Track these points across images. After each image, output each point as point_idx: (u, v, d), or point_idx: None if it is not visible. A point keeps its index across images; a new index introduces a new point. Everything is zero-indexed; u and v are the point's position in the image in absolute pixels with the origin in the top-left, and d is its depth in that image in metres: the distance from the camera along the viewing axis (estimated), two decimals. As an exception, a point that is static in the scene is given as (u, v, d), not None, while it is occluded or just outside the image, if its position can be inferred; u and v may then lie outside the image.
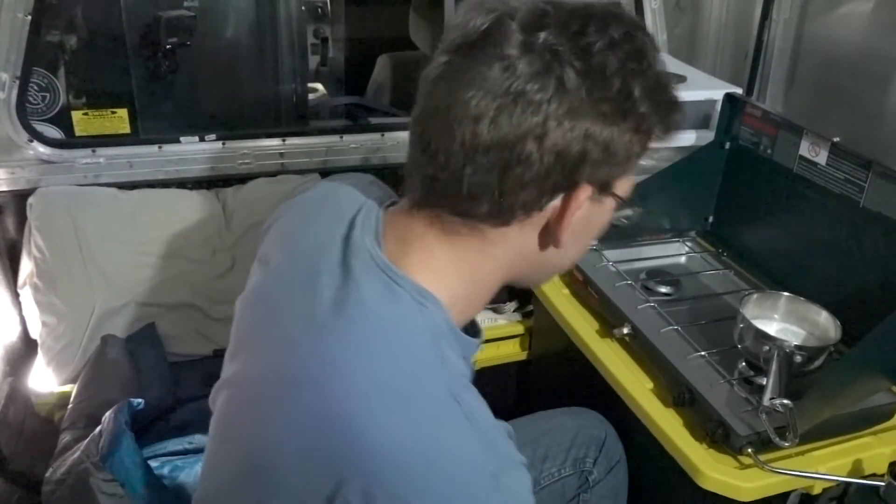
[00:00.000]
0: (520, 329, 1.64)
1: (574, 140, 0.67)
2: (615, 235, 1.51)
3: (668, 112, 0.73)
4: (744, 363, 1.19)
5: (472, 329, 0.81)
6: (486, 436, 0.67)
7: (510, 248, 0.74)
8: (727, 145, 1.53)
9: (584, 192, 0.71)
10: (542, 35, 0.67)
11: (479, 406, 0.70)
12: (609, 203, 0.75)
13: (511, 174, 0.68)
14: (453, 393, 0.68)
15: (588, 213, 0.73)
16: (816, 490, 1.07)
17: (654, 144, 0.74)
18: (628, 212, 0.81)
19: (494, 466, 0.66)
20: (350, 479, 0.63)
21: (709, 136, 1.59)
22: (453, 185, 0.70)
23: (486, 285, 0.77)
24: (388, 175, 1.98)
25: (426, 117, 0.71)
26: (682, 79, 1.68)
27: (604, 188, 0.73)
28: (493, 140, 0.67)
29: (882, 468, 1.09)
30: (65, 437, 1.34)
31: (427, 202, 0.74)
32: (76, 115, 1.75)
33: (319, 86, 2.64)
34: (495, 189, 0.69)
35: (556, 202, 0.71)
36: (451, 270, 0.74)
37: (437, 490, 0.63)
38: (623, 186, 0.75)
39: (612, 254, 1.47)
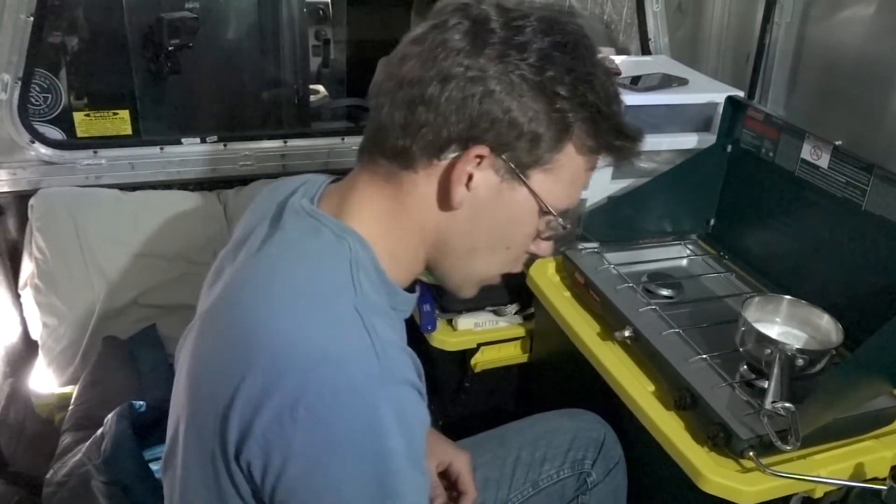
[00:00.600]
0: (521, 331, 1.64)
1: (474, 94, 0.72)
2: (616, 238, 1.52)
3: (594, 111, 0.75)
4: (745, 366, 1.19)
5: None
6: (384, 350, 0.69)
7: (419, 202, 0.77)
8: (729, 148, 1.53)
9: (478, 150, 0.73)
10: (485, 7, 0.74)
11: (384, 329, 0.71)
12: (525, 198, 0.77)
13: (415, 112, 0.74)
14: (359, 310, 0.70)
15: (495, 193, 0.76)
16: (818, 494, 1.07)
17: (584, 147, 0.76)
18: (554, 225, 0.80)
19: (385, 375, 0.68)
20: (248, 374, 0.67)
21: (710, 139, 1.59)
22: (377, 120, 0.77)
23: (405, 242, 0.80)
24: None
25: (382, 65, 0.78)
26: (683, 82, 1.68)
27: (511, 169, 0.75)
28: (408, 77, 0.74)
29: (884, 472, 1.09)
30: (65, 439, 1.34)
31: (364, 148, 0.80)
32: (78, 117, 1.76)
33: (321, 87, 2.64)
34: (401, 124, 0.75)
35: (454, 156, 0.75)
36: (375, 216, 0.78)
37: (325, 385, 0.66)
38: (543, 185, 0.76)
39: (613, 256, 1.47)
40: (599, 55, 0.78)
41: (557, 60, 0.73)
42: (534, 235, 0.82)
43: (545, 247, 0.84)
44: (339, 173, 0.87)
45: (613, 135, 0.77)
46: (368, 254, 0.77)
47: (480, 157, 0.74)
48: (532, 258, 0.91)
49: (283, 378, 0.66)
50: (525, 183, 0.76)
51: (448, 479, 1.13)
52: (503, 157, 0.74)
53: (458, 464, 1.12)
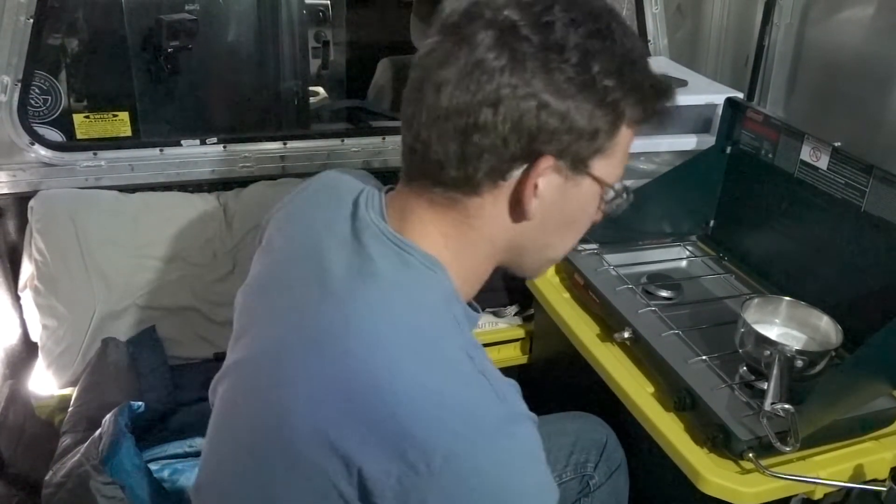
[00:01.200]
0: (520, 333, 1.64)
1: (528, 110, 0.70)
2: (616, 239, 1.52)
3: (640, 89, 0.74)
4: (745, 367, 1.19)
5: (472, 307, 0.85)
6: (498, 388, 0.70)
7: (489, 221, 0.77)
8: (728, 150, 1.53)
9: (545, 163, 0.72)
10: (506, 12, 0.71)
11: (489, 364, 0.73)
12: (588, 186, 0.77)
13: (471, 141, 0.71)
14: (467, 350, 0.71)
15: (561, 192, 0.75)
16: (818, 495, 1.07)
17: (633, 122, 0.76)
18: (620, 201, 0.81)
19: (506, 414, 0.69)
20: (373, 420, 0.67)
21: (710, 140, 1.59)
22: (424, 154, 0.75)
23: (477, 260, 0.80)
24: (390, 178, 1.98)
25: (408, 93, 0.76)
26: (683, 83, 1.68)
27: (575, 166, 0.74)
28: (453, 107, 0.71)
29: (883, 473, 1.09)
30: (65, 440, 1.34)
31: (410, 175, 0.78)
32: (77, 118, 1.76)
33: (320, 89, 2.64)
34: (458, 156, 0.73)
35: (519, 172, 0.74)
36: (443, 242, 0.77)
37: (452, 432, 0.66)
38: (603, 169, 0.76)
39: (613, 258, 1.47)
40: (622, 19, 0.77)
41: (598, 51, 0.71)
42: (599, 208, 0.82)
43: (609, 212, 0.83)
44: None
45: (658, 100, 0.77)
46: (451, 284, 0.77)
47: (545, 167, 0.73)
48: None
49: (413, 430, 0.66)
50: (589, 175, 0.76)
51: None
52: (566, 158, 0.74)
53: None
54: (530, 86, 0.70)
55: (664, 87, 0.77)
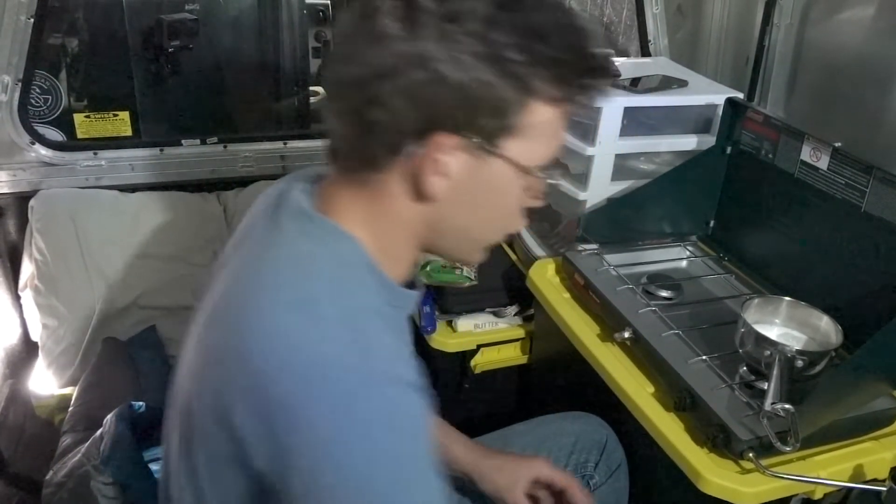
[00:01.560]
0: (520, 333, 1.64)
1: (423, 82, 0.67)
2: (616, 239, 1.52)
3: (554, 63, 0.69)
4: (745, 368, 1.19)
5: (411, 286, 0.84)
6: (371, 349, 0.67)
7: (397, 200, 0.74)
8: (728, 150, 1.53)
9: (443, 139, 0.69)
10: None
11: (375, 329, 0.69)
12: (501, 167, 0.72)
13: (367, 115, 0.69)
14: (348, 313, 0.68)
15: (471, 172, 0.72)
16: (818, 495, 1.07)
17: (552, 100, 0.71)
18: (552, 179, 0.77)
19: (362, 373, 0.65)
20: (240, 375, 0.67)
21: (710, 140, 1.59)
22: (332, 131, 0.75)
23: (396, 241, 0.77)
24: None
25: (324, 63, 0.76)
26: (683, 83, 1.68)
27: (482, 145, 0.71)
28: (351, 80, 0.70)
29: (883, 473, 1.09)
30: (65, 440, 1.34)
31: (329, 154, 0.77)
32: (78, 118, 1.76)
33: (321, 89, 2.64)
34: (357, 131, 0.71)
35: (417, 149, 0.71)
36: (359, 220, 0.76)
37: (294, 384, 0.64)
38: (519, 150, 0.72)
39: (612, 258, 1.47)
40: None
41: (502, 21, 0.67)
42: (525, 194, 0.78)
43: (539, 198, 0.80)
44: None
45: (580, 77, 0.72)
46: (360, 254, 0.75)
47: (445, 144, 0.70)
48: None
49: (271, 382, 0.65)
50: (498, 155, 0.72)
51: (546, 488, 1.13)
52: (469, 136, 0.70)
53: (542, 470, 1.12)
54: (423, 55, 0.66)
55: (589, 64, 0.72)
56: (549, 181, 0.77)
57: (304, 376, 0.65)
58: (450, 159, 0.71)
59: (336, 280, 0.71)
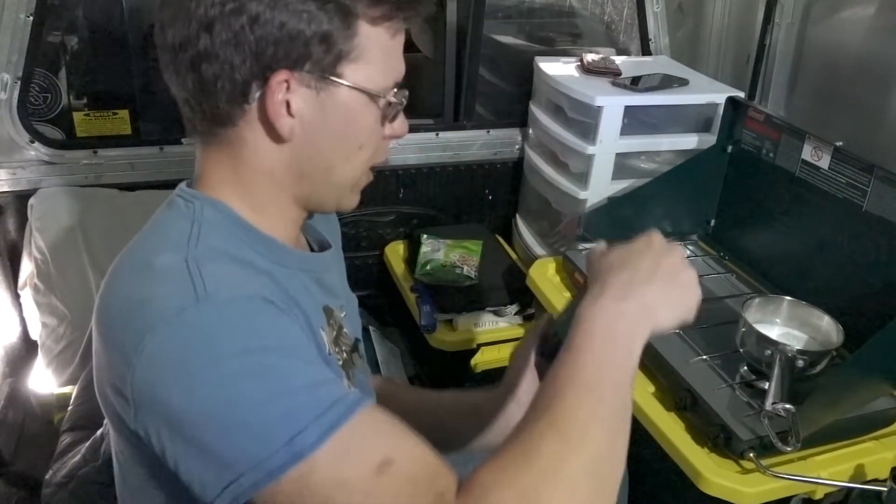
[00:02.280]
0: (521, 332, 1.64)
1: (242, 26, 0.69)
2: (616, 238, 1.51)
3: None
4: (746, 367, 1.19)
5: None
6: (204, 278, 0.66)
7: (255, 151, 0.75)
8: (729, 149, 1.53)
9: (280, 77, 0.71)
10: None
11: (223, 273, 0.69)
12: (347, 95, 0.73)
13: (201, 71, 0.71)
14: (189, 261, 0.68)
15: (318, 106, 0.73)
16: (818, 495, 1.07)
17: (374, 19, 0.72)
18: (398, 99, 0.77)
19: (201, 297, 0.65)
20: (99, 344, 0.71)
21: (711, 139, 1.59)
22: (176, 98, 0.76)
23: (266, 196, 0.78)
24: (389, 176, 1.99)
25: (156, 31, 0.75)
26: (684, 82, 1.68)
27: (321, 76, 0.72)
28: (177, 42, 0.71)
29: (884, 473, 1.09)
30: (65, 439, 1.34)
31: (185, 124, 0.79)
32: (77, 116, 1.75)
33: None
34: (196, 90, 0.73)
35: (259, 93, 0.72)
36: (225, 179, 0.77)
37: (140, 327, 0.65)
38: (359, 75, 0.73)
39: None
40: None
41: None
42: (381, 122, 0.78)
43: (398, 126, 0.81)
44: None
45: None
46: (223, 210, 0.76)
47: (285, 81, 0.71)
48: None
49: (112, 338, 0.68)
50: (339, 82, 0.73)
51: None
52: (305, 69, 0.71)
53: None
54: (241, 2, 0.68)
55: None
56: (399, 100, 0.78)
57: (140, 317, 0.66)
58: (293, 97, 0.72)
59: (186, 235, 0.72)
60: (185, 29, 0.70)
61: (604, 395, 0.67)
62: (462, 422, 1.02)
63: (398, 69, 0.78)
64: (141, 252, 0.74)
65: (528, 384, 0.95)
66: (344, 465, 0.61)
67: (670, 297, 0.81)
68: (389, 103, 0.77)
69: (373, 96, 0.75)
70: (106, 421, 1.16)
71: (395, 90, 0.77)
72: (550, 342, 0.92)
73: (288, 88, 0.71)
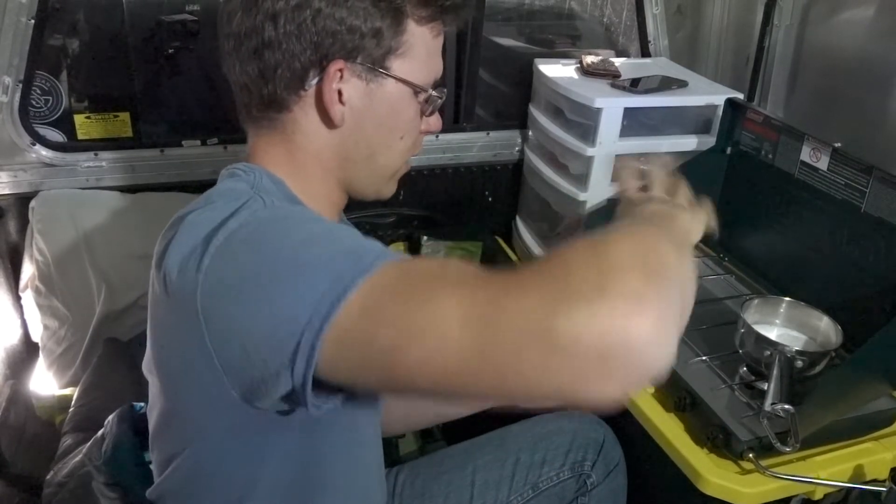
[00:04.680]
0: (521, 333, 1.64)
1: (305, 19, 0.76)
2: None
3: None
4: (745, 368, 1.19)
5: None
6: (273, 201, 0.73)
7: (307, 135, 0.82)
8: (728, 150, 1.53)
9: (336, 66, 0.78)
10: None
11: (279, 197, 0.77)
12: (394, 87, 0.81)
13: (263, 58, 0.78)
14: (256, 190, 0.75)
15: (367, 95, 0.80)
16: (818, 495, 1.07)
17: (422, 19, 0.80)
18: (434, 101, 0.85)
19: (269, 202, 0.72)
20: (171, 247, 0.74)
21: (710, 141, 1.59)
22: (236, 83, 0.83)
23: (314, 180, 0.84)
24: (390, 179, 1.99)
25: (219, 23, 0.82)
26: (683, 84, 1.68)
27: (372, 68, 0.79)
28: (242, 31, 0.78)
29: (883, 473, 1.09)
30: (66, 441, 1.34)
31: (241, 111, 0.86)
32: (78, 119, 1.76)
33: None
34: (258, 75, 0.80)
35: (315, 81, 0.79)
36: (278, 161, 0.83)
37: (222, 233, 0.68)
38: (405, 69, 0.81)
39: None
40: None
41: None
42: (419, 116, 0.86)
43: (434, 121, 0.88)
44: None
45: None
46: (279, 184, 0.81)
47: (339, 70, 0.78)
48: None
49: (185, 236, 0.72)
50: (387, 74, 0.80)
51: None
52: (358, 61, 0.79)
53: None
54: None
55: None
56: (437, 96, 0.85)
57: (211, 214, 0.71)
58: (345, 86, 0.79)
59: (247, 190, 0.76)
60: (251, 19, 0.77)
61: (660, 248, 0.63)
62: None
63: (438, 68, 0.85)
64: (208, 209, 0.75)
65: None
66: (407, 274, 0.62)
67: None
68: (429, 98, 0.85)
69: (415, 90, 0.83)
70: (107, 421, 1.16)
71: (435, 89, 0.85)
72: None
73: (341, 77, 0.79)
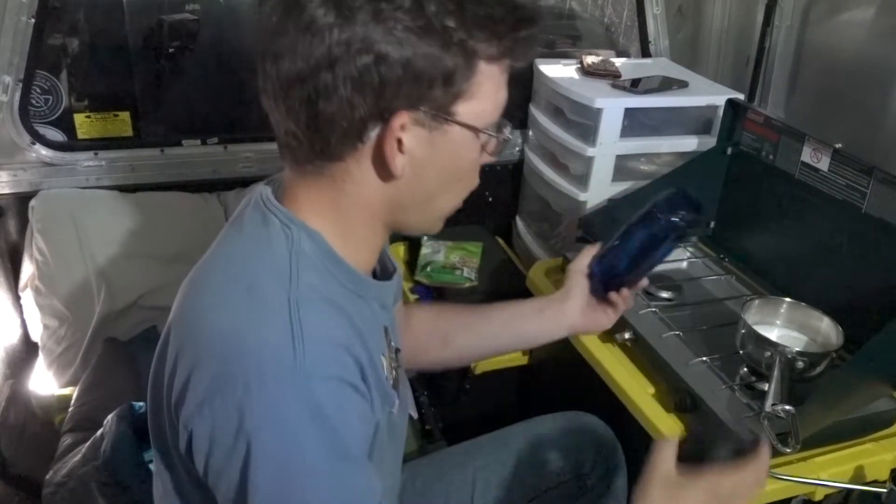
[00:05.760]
0: (521, 333, 1.64)
1: (367, 66, 0.67)
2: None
3: (489, 22, 0.70)
4: (745, 369, 1.19)
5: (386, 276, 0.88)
6: (305, 345, 0.67)
7: (359, 185, 0.75)
8: (729, 151, 1.53)
9: (400, 119, 0.70)
10: None
11: (320, 320, 0.70)
12: (459, 133, 0.73)
13: (316, 109, 0.69)
14: (292, 300, 0.69)
15: (430, 144, 0.73)
16: (818, 496, 1.07)
17: (492, 58, 0.72)
18: (499, 142, 0.78)
19: (299, 370, 0.66)
20: (180, 362, 0.70)
21: (711, 141, 1.59)
22: (279, 127, 0.74)
23: (358, 225, 0.78)
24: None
25: (258, 65, 0.73)
26: (683, 84, 1.68)
27: (436, 115, 0.71)
28: (292, 76, 0.69)
29: (883, 474, 1.09)
30: (65, 440, 1.34)
31: (281, 150, 0.77)
32: (78, 118, 1.76)
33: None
34: (308, 126, 0.71)
35: (375, 132, 0.71)
36: (317, 210, 0.76)
37: (239, 379, 0.66)
38: (471, 111, 0.73)
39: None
40: None
41: None
42: (480, 154, 0.79)
43: (492, 151, 0.81)
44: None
45: (515, 31, 0.72)
46: (318, 242, 0.75)
47: (400, 122, 0.70)
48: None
49: (206, 367, 0.68)
50: (454, 121, 0.73)
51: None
52: (422, 109, 0.71)
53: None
54: (364, 40, 0.66)
55: (519, 15, 0.72)
56: (504, 136, 0.79)
57: (240, 361, 0.67)
58: (406, 136, 0.71)
59: (287, 266, 0.72)
60: (303, 63, 0.68)
61: None
62: (527, 321, 1.14)
63: (503, 101, 0.77)
64: (241, 264, 0.73)
65: (581, 289, 1.12)
66: None
67: None
68: (493, 137, 0.77)
69: (481, 131, 0.75)
70: (106, 421, 1.16)
71: (500, 124, 0.78)
72: (603, 261, 1.10)
73: (403, 127, 0.71)
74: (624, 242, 1.10)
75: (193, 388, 0.68)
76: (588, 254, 1.13)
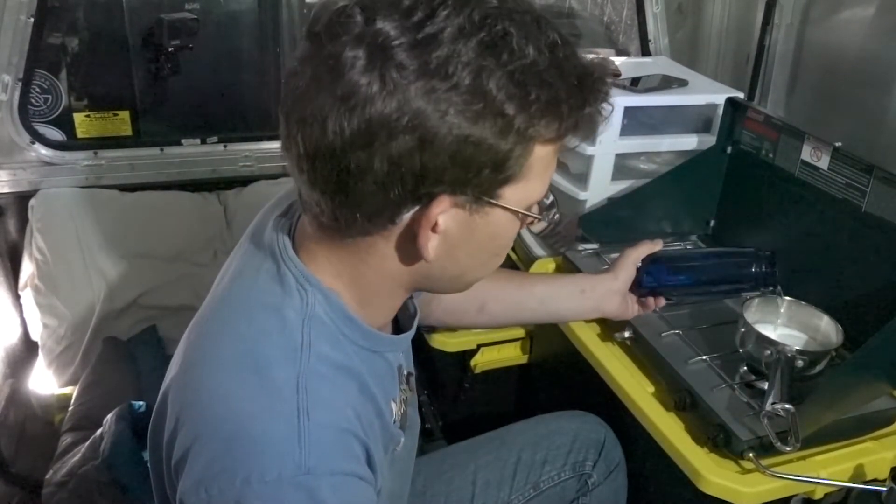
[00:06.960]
0: (520, 332, 1.64)
1: (409, 149, 0.59)
2: (616, 239, 1.52)
3: (552, 105, 0.62)
4: (745, 367, 1.19)
5: (406, 324, 0.84)
6: (311, 439, 0.62)
7: (384, 261, 0.69)
8: (729, 149, 1.53)
9: (440, 206, 0.63)
10: (379, 24, 0.58)
11: (327, 402, 0.65)
12: (500, 214, 0.67)
13: (346, 186, 0.62)
14: (300, 383, 0.64)
15: (467, 226, 0.67)
16: (818, 495, 1.07)
17: (549, 141, 0.65)
18: (541, 224, 0.76)
19: (302, 470, 0.61)
20: (181, 431, 0.67)
21: (710, 140, 1.59)
22: (302, 188, 0.67)
23: (379, 294, 0.74)
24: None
25: (281, 115, 0.66)
26: (683, 83, 1.68)
27: (479, 199, 0.65)
28: (322, 148, 0.61)
29: (884, 473, 1.09)
30: (65, 440, 1.34)
31: (300, 201, 0.71)
32: (78, 117, 1.76)
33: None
34: (334, 202, 0.64)
35: (409, 215, 0.65)
36: (335, 273, 0.71)
37: (239, 471, 0.62)
38: (518, 194, 0.66)
39: (613, 257, 1.47)
40: (536, 20, 0.63)
41: (493, 69, 0.59)
42: (521, 226, 0.73)
43: (536, 230, 0.80)
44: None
45: (580, 110, 0.65)
46: (333, 304, 0.70)
47: (439, 205, 0.63)
48: None
49: (207, 445, 0.64)
50: (498, 205, 0.66)
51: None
52: (464, 193, 0.64)
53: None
54: (411, 119, 0.58)
55: (587, 88, 0.65)
56: (548, 217, 0.76)
57: (242, 451, 0.63)
58: (444, 217, 0.64)
59: (299, 337, 0.67)
60: (335, 137, 0.60)
61: None
62: (566, 301, 1.18)
63: (550, 178, 0.71)
64: (251, 341, 0.67)
65: (630, 278, 1.16)
66: None
67: None
68: (536, 217, 0.72)
69: (524, 213, 0.69)
70: (106, 420, 1.16)
71: (542, 206, 0.74)
72: (657, 261, 1.17)
73: (441, 211, 0.64)
74: (703, 262, 1.13)
75: (192, 462, 0.65)
76: (647, 247, 1.16)
